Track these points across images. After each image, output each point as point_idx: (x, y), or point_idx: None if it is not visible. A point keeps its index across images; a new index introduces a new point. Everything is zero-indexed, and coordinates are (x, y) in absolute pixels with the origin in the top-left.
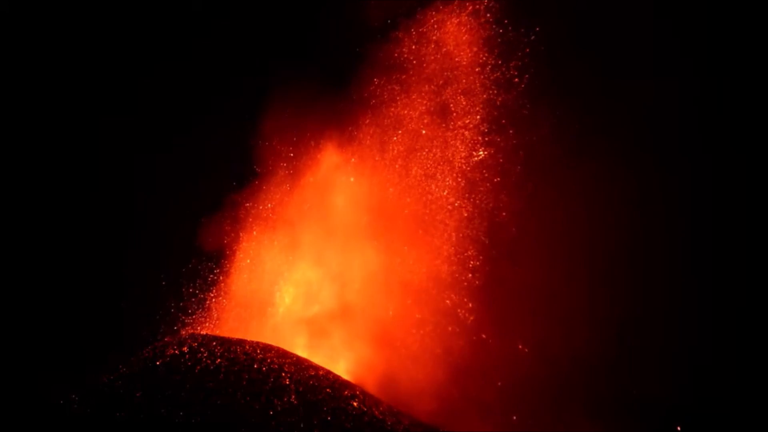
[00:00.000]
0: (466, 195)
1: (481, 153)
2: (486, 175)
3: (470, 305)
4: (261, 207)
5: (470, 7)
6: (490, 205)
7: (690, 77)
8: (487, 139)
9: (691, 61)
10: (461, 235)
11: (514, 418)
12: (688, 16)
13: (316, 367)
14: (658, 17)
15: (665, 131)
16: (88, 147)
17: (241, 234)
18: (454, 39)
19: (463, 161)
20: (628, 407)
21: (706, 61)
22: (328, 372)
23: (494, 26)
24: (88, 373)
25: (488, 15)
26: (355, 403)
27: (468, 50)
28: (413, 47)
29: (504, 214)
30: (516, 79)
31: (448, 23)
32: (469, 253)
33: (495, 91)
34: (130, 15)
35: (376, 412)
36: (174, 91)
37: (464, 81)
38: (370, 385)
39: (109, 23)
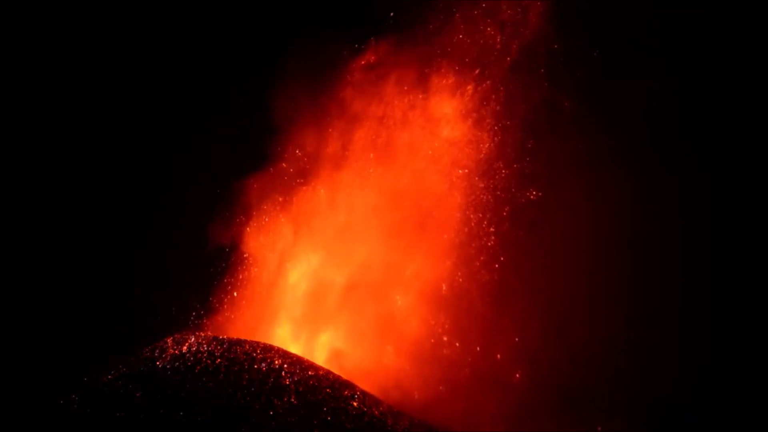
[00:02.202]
0: (488, 197)
1: (508, 156)
2: (512, 179)
3: (482, 308)
4: (267, 204)
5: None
6: (509, 207)
7: (703, 78)
8: (517, 143)
9: (704, 62)
10: (478, 236)
11: (519, 419)
12: (693, 15)
13: (316, 367)
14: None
15: (672, 133)
16: (88, 145)
17: (245, 233)
18: (490, 28)
19: (489, 163)
20: (631, 408)
21: (720, 62)
22: (328, 372)
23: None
24: (88, 373)
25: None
26: (355, 403)
27: (505, 43)
28: (449, 32)
29: (520, 216)
30: (545, 82)
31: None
32: (484, 256)
33: (527, 93)
34: (130, 15)
35: (376, 412)
36: (176, 91)
37: (498, 77)
38: (380, 385)
39: (109, 23)
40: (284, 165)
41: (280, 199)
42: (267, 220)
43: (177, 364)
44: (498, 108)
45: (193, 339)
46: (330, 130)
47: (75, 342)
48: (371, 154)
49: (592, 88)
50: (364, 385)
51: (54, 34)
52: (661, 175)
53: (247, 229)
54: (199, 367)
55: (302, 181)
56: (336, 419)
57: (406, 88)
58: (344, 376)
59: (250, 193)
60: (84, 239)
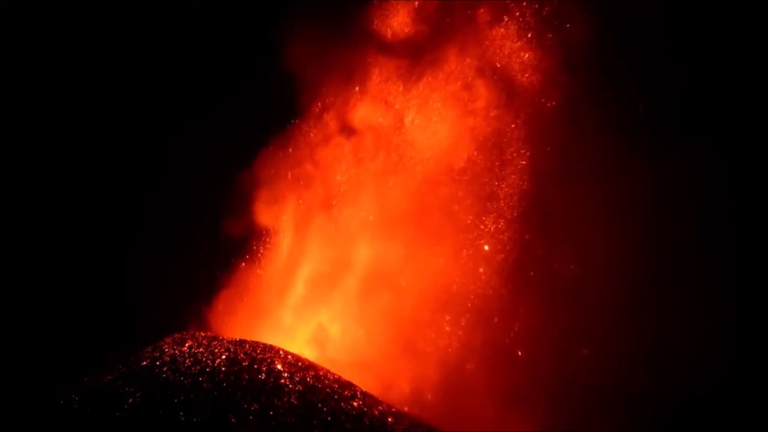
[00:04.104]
0: (509, 199)
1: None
2: (536, 181)
3: (499, 311)
4: (271, 199)
5: None
6: (531, 210)
7: (727, 79)
8: (536, 135)
9: (730, 63)
10: (497, 238)
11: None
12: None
13: (316, 367)
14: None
15: (697, 134)
16: (87, 144)
17: (247, 231)
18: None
19: (512, 155)
20: (652, 406)
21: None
22: (328, 372)
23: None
24: (88, 373)
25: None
26: (355, 403)
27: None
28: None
29: (541, 219)
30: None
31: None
32: (504, 258)
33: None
34: (130, 15)
35: (376, 412)
36: (176, 90)
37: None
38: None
39: (109, 23)
40: (292, 154)
41: (287, 193)
42: (271, 215)
43: (177, 364)
44: (520, 107)
45: (192, 339)
46: (342, 114)
47: (75, 342)
48: (390, 145)
49: (618, 93)
50: (352, 375)
51: (54, 34)
52: (681, 177)
53: (250, 226)
54: (198, 367)
55: (311, 174)
56: (336, 419)
57: (426, 80)
58: (324, 363)
59: (253, 189)
60: (84, 239)
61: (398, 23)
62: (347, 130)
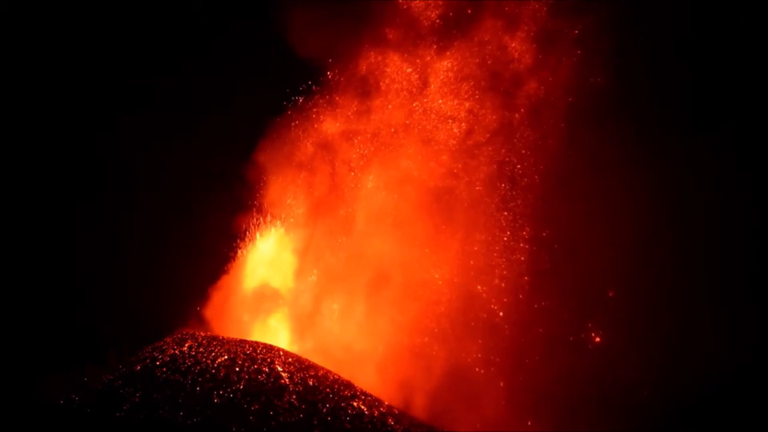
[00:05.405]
0: (519, 202)
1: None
2: (543, 184)
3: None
4: (268, 201)
5: None
6: (541, 213)
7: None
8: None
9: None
10: (505, 241)
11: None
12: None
13: (316, 367)
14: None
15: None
16: (87, 145)
17: (245, 232)
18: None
19: (519, 170)
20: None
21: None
22: (328, 372)
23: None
24: (88, 373)
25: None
26: (355, 403)
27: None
28: None
29: (549, 214)
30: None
31: None
32: (511, 261)
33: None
34: (131, 14)
35: (376, 412)
36: (174, 84)
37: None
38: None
39: (110, 23)
40: (296, 150)
41: (289, 189)
42: (275, 207)
43: (177, 364)
44: (529, 111)
45: (192, 339)
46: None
47: (75, 342)
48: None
49: (619, 87)
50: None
51: (55, 34)
52: (691, 178)
53: (250, 225)
54: (198, 367)
55: (315, 169)
56: (336, 419)
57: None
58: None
59: (257, 178)
60: (84, 239)
61: None
62: (361, 110)
